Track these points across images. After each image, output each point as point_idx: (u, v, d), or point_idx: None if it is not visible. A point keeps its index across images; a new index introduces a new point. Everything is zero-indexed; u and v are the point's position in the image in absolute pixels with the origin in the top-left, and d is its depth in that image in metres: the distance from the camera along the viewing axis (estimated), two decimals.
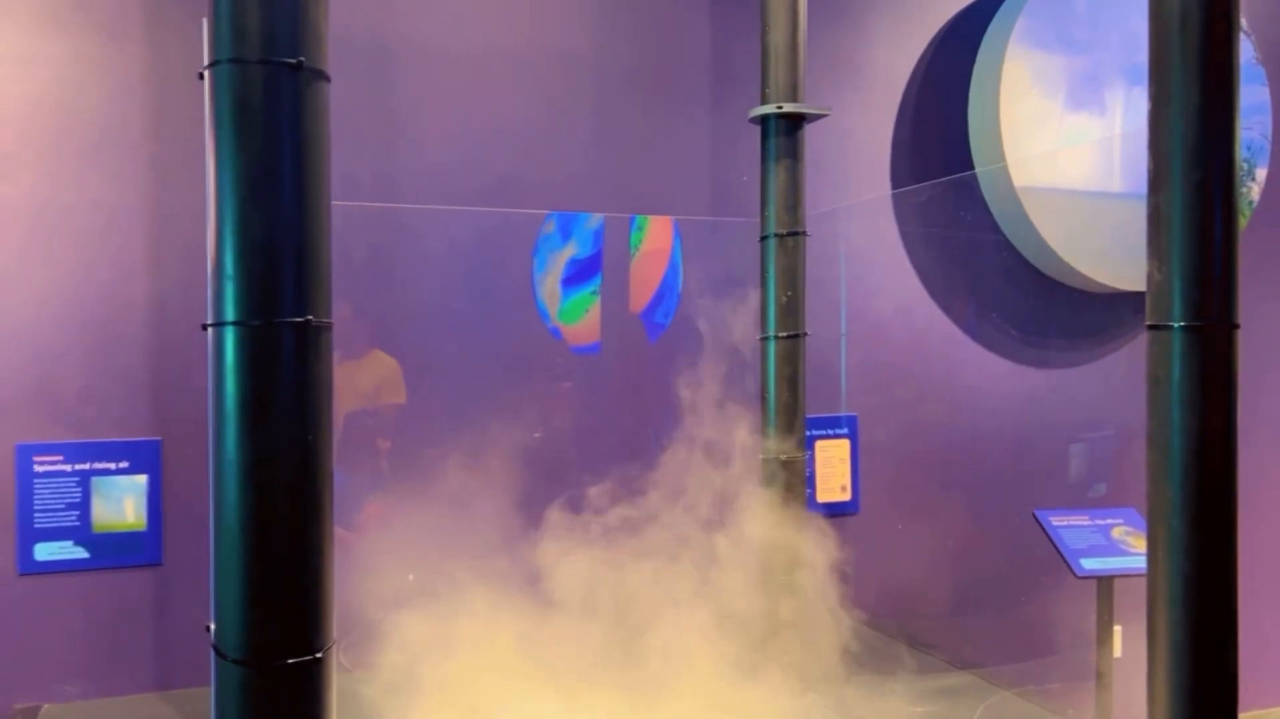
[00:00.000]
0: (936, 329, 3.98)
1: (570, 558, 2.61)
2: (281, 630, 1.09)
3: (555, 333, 3.53)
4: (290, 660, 1.09)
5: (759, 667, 2.46)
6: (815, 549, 3.13)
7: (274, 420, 1.12)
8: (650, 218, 3.61)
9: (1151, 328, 1.63)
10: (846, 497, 3.88)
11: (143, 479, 3.06)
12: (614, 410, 3.60)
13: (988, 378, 4.04)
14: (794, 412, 2.92)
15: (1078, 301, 4.12)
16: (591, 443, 3.49)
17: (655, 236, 3.66)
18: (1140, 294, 1.73)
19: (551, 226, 3.52)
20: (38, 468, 2.96)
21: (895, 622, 3.50)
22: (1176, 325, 1.58)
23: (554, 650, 2.29)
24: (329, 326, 1.16)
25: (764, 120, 2.99)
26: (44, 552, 2.96)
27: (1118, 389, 4.13)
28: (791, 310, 2.89)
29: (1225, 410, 1.59)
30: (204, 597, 3.17)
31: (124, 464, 3.04)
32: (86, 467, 3.01)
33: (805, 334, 2.94)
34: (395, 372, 3.27)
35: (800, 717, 2.86)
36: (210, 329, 1.19)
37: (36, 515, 2.95)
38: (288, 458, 1.11)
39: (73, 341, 3.01)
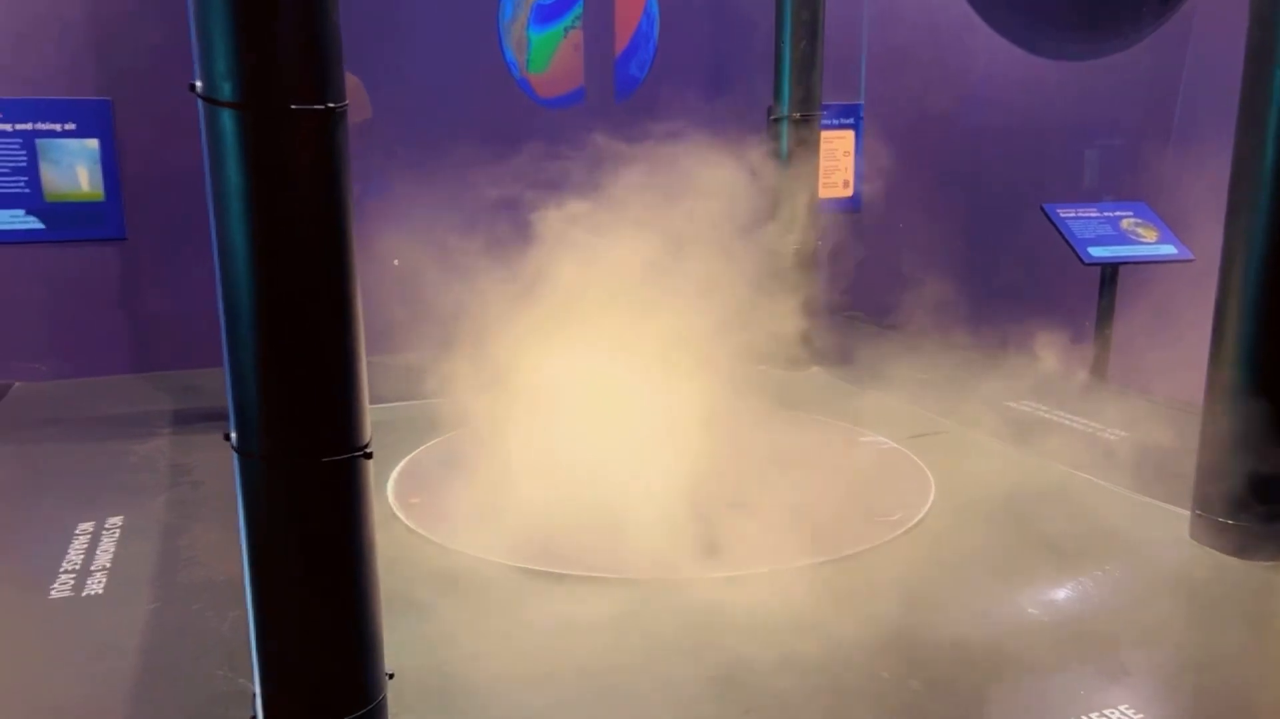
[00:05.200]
0: (954, 13, 3.68)
1: (562, 232, 2.39)
2: (314, 424, 0.93)
3: (524, 85, 3.22)
4: (325, 459, 0.94)
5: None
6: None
7: (293, 213, 0.86)
8: None
9: None
10: (849, 193, 3.70)
11: (94, 144, 2.78)
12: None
13: (1000, 67, 3.78)
14: (811, 65, 2.67)
15: None
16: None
17: None
18: None
19: None
20: None
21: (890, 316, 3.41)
22: None
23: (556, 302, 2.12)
24: (345, 110, 0.89)
25: None
26: None
27: (1139, 83, 3.92)
28: None
29: None
30: (172, 274, 2.99)
31: (70, 126, 2.75)
32: (29, 127, 2.71)
33: None
34: (358, 87, 2.95)
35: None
36: (204, 103, 0.86)
37: None
38: (309, 261, 0.88)
39: None
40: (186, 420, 2.48)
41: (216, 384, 2.90)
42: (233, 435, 1.06)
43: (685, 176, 2.25)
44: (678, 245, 2.12)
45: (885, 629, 1.44)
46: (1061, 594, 1.61)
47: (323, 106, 0.95)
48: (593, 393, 1.91)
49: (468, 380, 1.99)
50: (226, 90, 0.94)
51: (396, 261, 2.99)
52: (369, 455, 1.05)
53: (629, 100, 3.42)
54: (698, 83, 3.47)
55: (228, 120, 0.95)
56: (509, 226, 2.13)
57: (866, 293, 3.40)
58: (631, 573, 1.60)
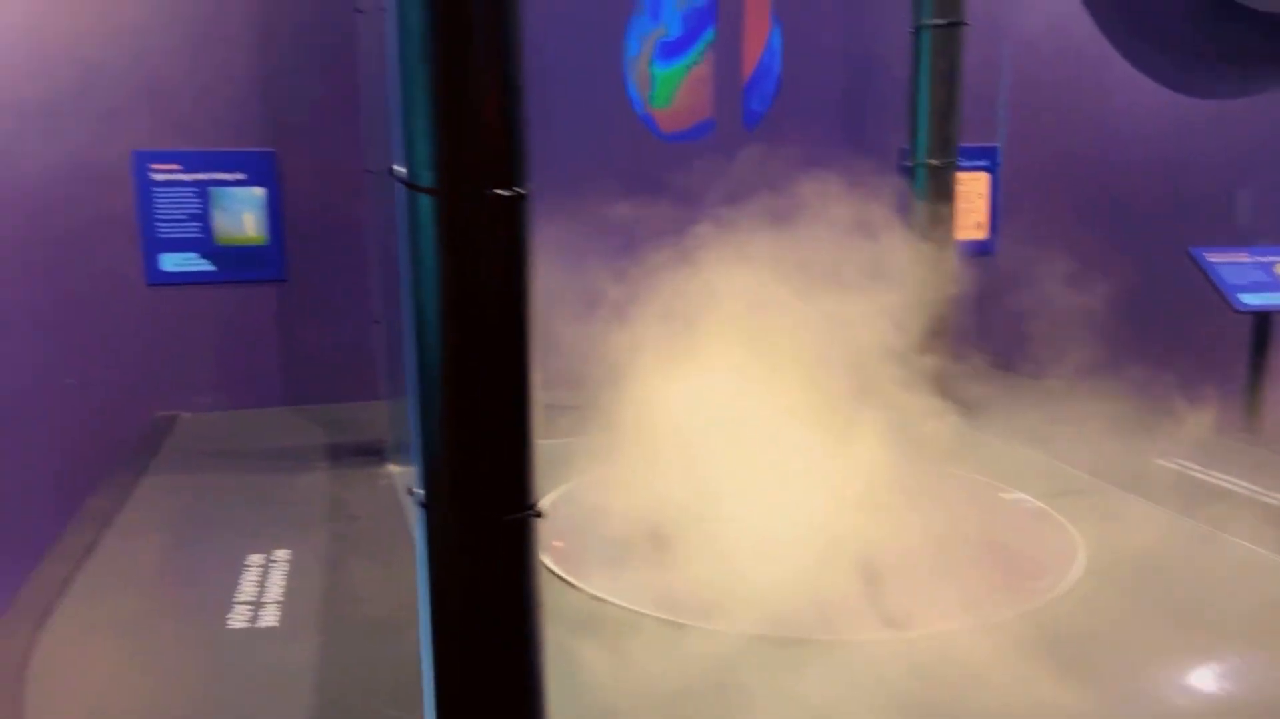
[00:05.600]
0: (1092, 50, 3.60)
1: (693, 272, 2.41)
2: (497, 484, 1.01)
3: (648, 121, 3.30)
4: (506, 517, 1.02)
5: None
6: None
7: (482, 289, 0.95)
8: None
9: None
10: (983, 235, 3.64)
11: (260, 192, 2.98)
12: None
13: (1145, 105, 3.67)
14: (948, 112, 2.66)
15: (1251, 23, 3.66)
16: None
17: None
18: None
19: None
20: (156, 176, 2.89)
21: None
22: None
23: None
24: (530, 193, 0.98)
25: None
26: (170, 262, 2.94)
27: None
28: None
29: None
30: (327, 314, 3.17)
31: (240, 176, 2.96)
32: (204, 177, 2.93)
33: (966, 24, 2.63)
34: None
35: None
36: (404, 188, 0.95)
37: (159, 225, 2.91)
38: (496, 333, 0.96)
39: (180, 41, 2.86)
40: (338, 455, 2.61)
41: (361, 418, 3.06)
42: (417, 491, 1.13)
43: (814, 218, 2.27)
44: (808, 290, 2.14)
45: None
46: (1225, 675, 1.55)
47: (512, 192, 1.02)
48: (730, 438, 1.94)
49: (601, 421, 2.04)
50: (426, 177, 1.02)
51: None
52: (540, 514, 1.11)
53: (753, 135, 3.46)
54: (824, 121, 3.49)
55: (426, 204, 1.03)
56: (638, 264, 2.18)
57: (1003, 340, 3.33)
58: (781, 629, 1.61)
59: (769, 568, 1.68)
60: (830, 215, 2.26)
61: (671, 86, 3.35)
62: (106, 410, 2.98)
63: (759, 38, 3.40)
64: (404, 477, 2.41)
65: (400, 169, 1.05)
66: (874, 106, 3.52)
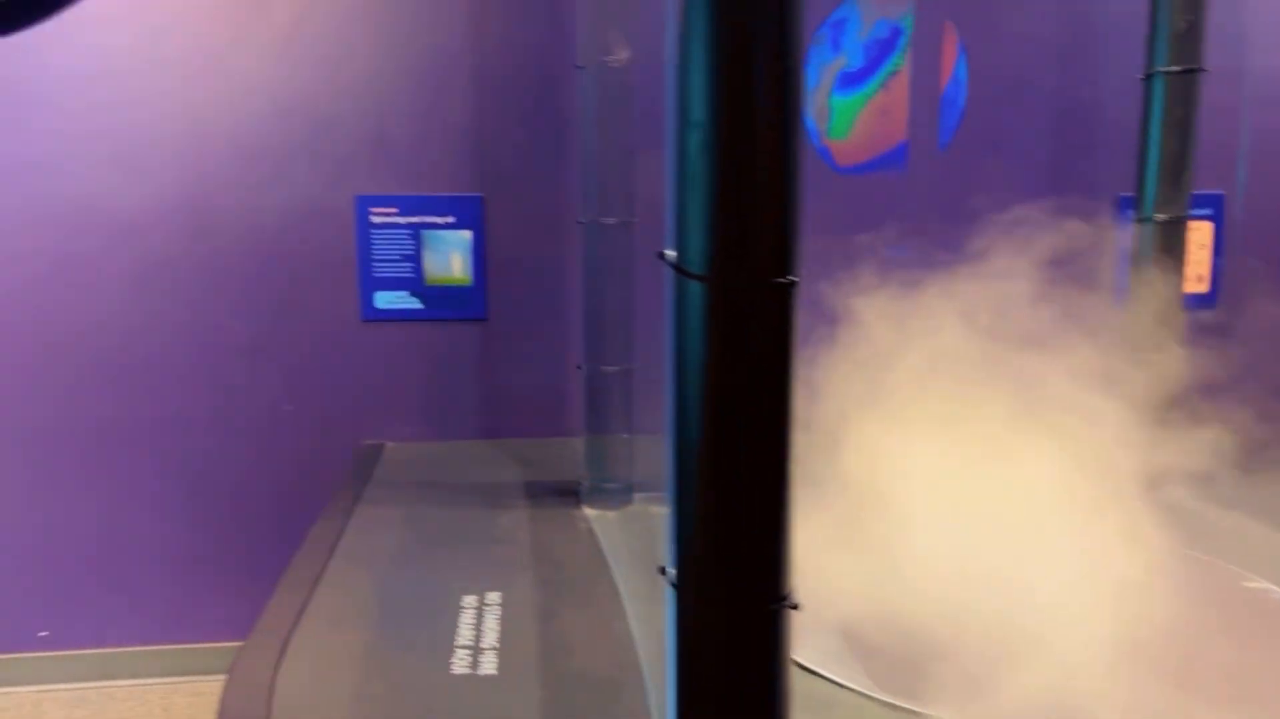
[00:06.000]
0: None
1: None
2: (752, 574, 1.00)
3: (824, 153, 3.25)
4: (757, 610, 1.01)
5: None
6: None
7: (748, 379, 0.96)
8: None
9: None
10: (1204, 288, 3.40)
11: (468, 235, 3.11)
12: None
13: None
14: (1181, 165, 2.49)
15: None
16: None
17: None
18: None
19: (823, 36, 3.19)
20: (374, 219, 3.06)
21: None
22: None
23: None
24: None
25: None
26: (383, 300, 3.11)
27: None
28: (1190, 39, 2.42)
29: None
30: (524, 353, 3.28)
31: (450, 219, 3.10)
32: (417, 220, 3.09)
33: (1203, 69, 2.47)
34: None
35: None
36: (674, 272, 0.98)
37: (375, 265, 3.08)
38: (759, 423, 0.97)
39: (403, 94, 3.03)
40: (535, 494, 2.68)
41: (553, 455, 3.12)
42: (670, 571, 1.14)
43: (1023, 266, 2.16)
44: (1022, 347, 2.04)
45: None
46: None
47: (785, 280, 1.01)
48: (957, 506, 1.85)
49: (802, 468, 1.99)
50: (699, 264, 1.03)
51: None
52: (796, 607, 1.09)
53: (939, 170, 3.35)
54: (1023, 160, 3.34)
55: (696, 290, 1.04)
56: (842, 303, 2.12)
57: (1230, 400, 3.08)
58: None
59: (1013, 654, 1.60)
60: (1044, 264, 2.16)
61: (850, 117, 3.29)
62: (317, 436, 3.17)
63: (943, 68, 3.31)
64: (600, 521, 2.45)
65: (670, 253, 1.07)
66: (1082, 148, 3.36)
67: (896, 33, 3.28)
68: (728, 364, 1.04)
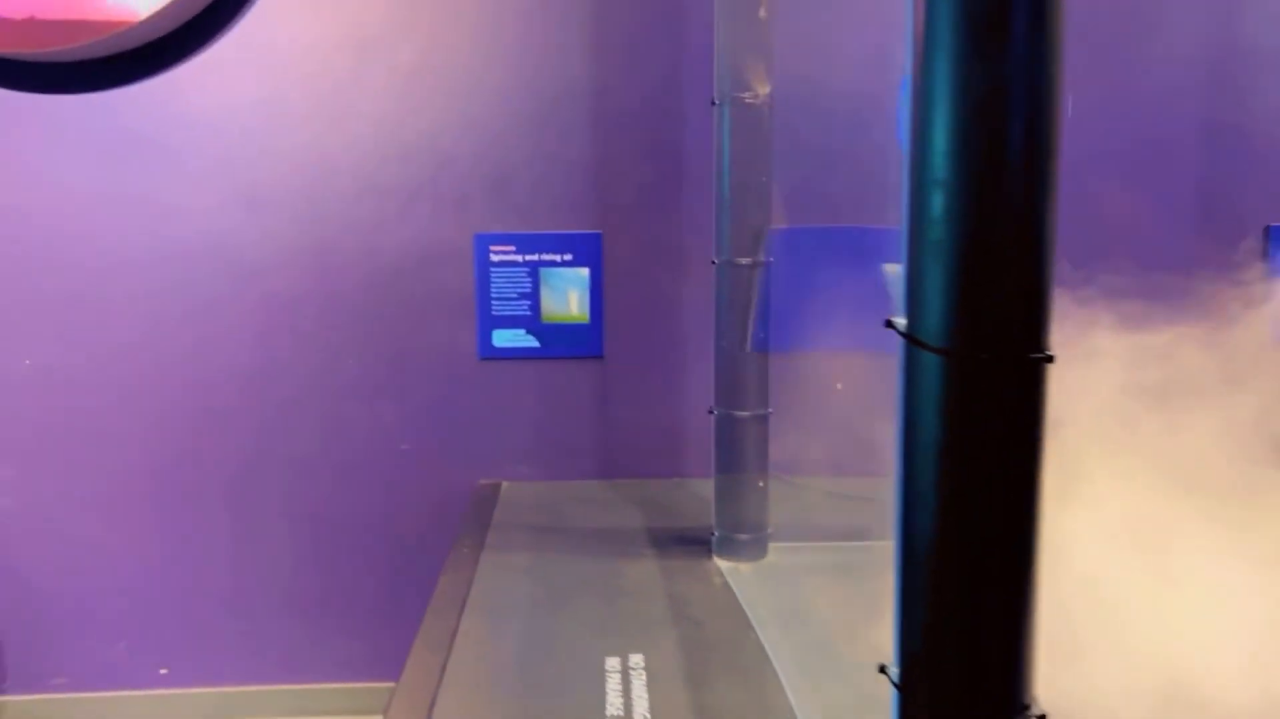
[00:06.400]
0: None
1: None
2: (985, 683, 0.90)
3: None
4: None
5: None
6: None
7: (990, 463, 0.85)
8: None
9: None
10: None
11: (585, 272, 3.05)
12: None
13: None
14: None
15: None
16: None
17: None
18: None
19: None
20: (494, 257, 3.03)
21: None
22: None
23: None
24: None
25: None
26: (501, 338, 3.06)
27: None
28: None
29: None
30: (640, 392, 3.21)
31: (568, 256, 3.05)
32: (535, 258, 3.04)
33: None
34: None
35: None
36: (907, 343, 0.87)
37: (494, 303, 3.04)
38: (1001, 513, 0.86)
39: (523, 132, 3.00)
40: (662, 542, 2.59)
41: (671, 497, 3.03)
42: (892, 668, 1.03)
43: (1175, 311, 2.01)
44: (1186, 400, 1.88)
45: None
46: None
47: (1040, 355, 0.91)
48: (1134, 557, 1.71)
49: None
50: (937, 336, 0.93)
51: (840, 385, 2.96)
52: (1042, 717, 0.97)
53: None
54: (1164, 194, 3.16)
55: (932, 363, 0.93)
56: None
57: None
58: None
59: None
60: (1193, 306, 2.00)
61: None
62: (435, 476, 3.13)
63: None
64: (734, 575, 2.35)
65: (900, 320, 0.97)
66: (1220, 177, 3.16)
67: None
68: (969, 447, 0.93)
